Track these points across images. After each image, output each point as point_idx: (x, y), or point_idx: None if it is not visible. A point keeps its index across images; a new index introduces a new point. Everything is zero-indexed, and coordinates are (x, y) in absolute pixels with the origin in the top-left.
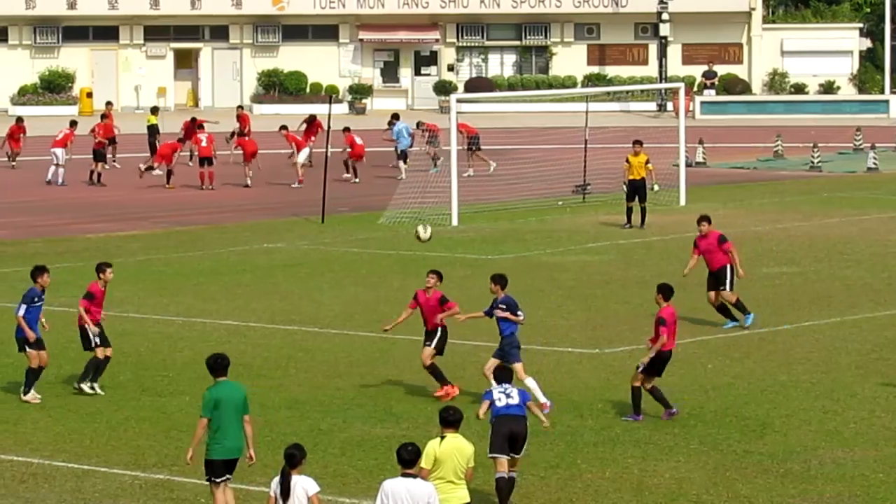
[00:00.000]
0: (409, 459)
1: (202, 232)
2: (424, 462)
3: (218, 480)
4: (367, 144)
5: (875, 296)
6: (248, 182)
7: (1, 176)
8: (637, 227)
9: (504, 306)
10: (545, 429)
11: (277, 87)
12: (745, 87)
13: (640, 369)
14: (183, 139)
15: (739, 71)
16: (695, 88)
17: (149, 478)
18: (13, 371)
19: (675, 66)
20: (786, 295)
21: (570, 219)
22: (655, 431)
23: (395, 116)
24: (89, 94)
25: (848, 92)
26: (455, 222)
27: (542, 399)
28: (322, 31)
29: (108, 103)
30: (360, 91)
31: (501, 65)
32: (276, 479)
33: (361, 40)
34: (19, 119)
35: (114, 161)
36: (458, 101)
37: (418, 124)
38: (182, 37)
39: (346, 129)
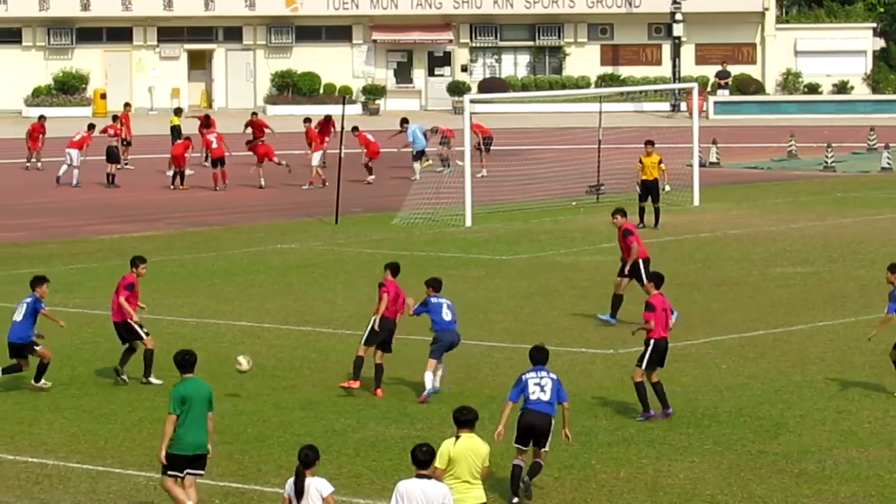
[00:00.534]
0: (423, 460)
1: (216, 233)
2: (438, 462)
3: (178, 475)
4: (381, 145)
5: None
6: (262, 183)
7: (16, 177)
8: (650, 227)
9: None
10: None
11: (291, 88)
12: (759, 87)
13: (643, 365)
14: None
15: (753, 71)
16: (708, 88)
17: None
18: (28, 373)
19: (689, 66)
20: (800, 295)
21: (583, 219)
22: (670, 431)
23: (405, 120)
24: (103, 96)
25: (861, 92)
26: (469, 223)
27: (429, 387)
28: (335, 31)
29: (127, 105)
30: (374, 92)
31: (515, 65)
32: (291, 480)
33: (375, 41)
34: (41, 118)
35: (126, 163)
36: (472, 101)
37: (433, 129)
38: (196, 38)
39: (355, 129)
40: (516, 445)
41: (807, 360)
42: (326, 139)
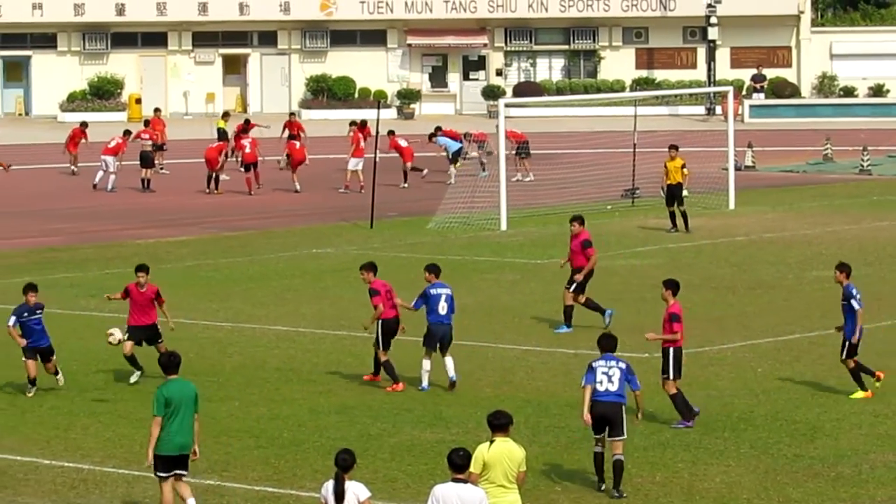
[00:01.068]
0: (460, 464)
1: (251, 237)
2: (473, 466)
3: (165, 476)
4: (415, 150)
5: None
6: (297, 187)
7: (52, 182)
8: (682, 230)
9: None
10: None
11: (326, 92)
12: (794, 91)
13: (671, 376)
14: (237, 136)
15: (788, 74)
16: (743, 92)
17: (199, 483)
18: (68, 377)
19: (724, 69)
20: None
21: (618, 223)
22: (705, 435)
23: (438, 129)
24: (138, 101)
25: None
26: (504, 227)
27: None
28: (370, 36)
29: (157, 109)
30: (409, 96)
31: (550, 69)
32: (327, 485)
33: (409, 45)
34: (83, 124)
35: (161, 167)
36: (507, 105)
37: (466, 135)
38: (230, 42)
39: (391, 133)
40: (594, 435)
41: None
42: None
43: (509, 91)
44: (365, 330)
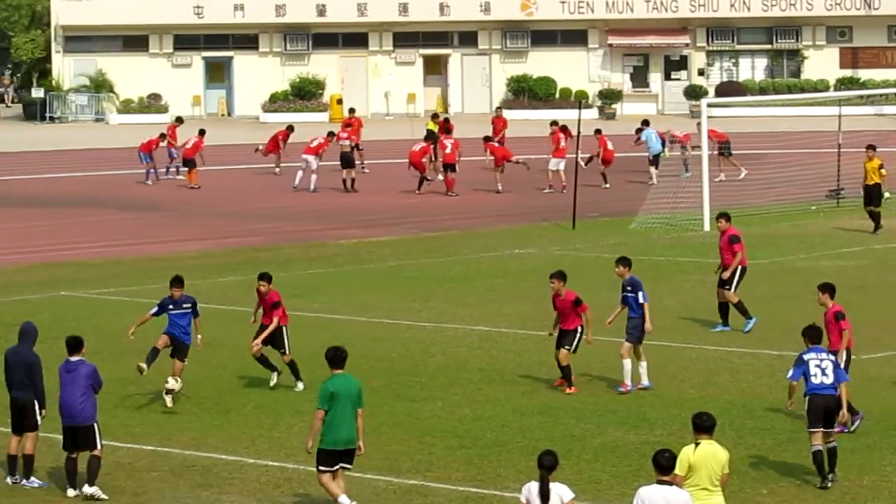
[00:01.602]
0: (666, 466)
1: (452, 237)
2: (678, 468)
3: (328, 469)
4: (618, 150)
5: None
6: (499, 187)
7: (254, 182)
8: (870, 232)
9: (630, 287)
10: None
11: (526, 92)
12: None
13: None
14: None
15: None
16: None
17: (402, 483)
18: (267, 375)
19: None
20: None
21: (823, 223)
22: None
23: (645, 122)
24: (339, 101)
25: None
26: (707, 227)
27: (627, 381)
28: (571, 36)
29: (352, 110)
30: (610, 96)
31: (752, 69)
32: (530, 486)
33: (611, 45)
34: (290, 127)
35: (363, 167)
36: (709, 105)
37: (666, 134)
38: (431, 43)
39: (598, 132)
40: (811, 430)
41: None
42: (565, 147)
43: (711, 91)
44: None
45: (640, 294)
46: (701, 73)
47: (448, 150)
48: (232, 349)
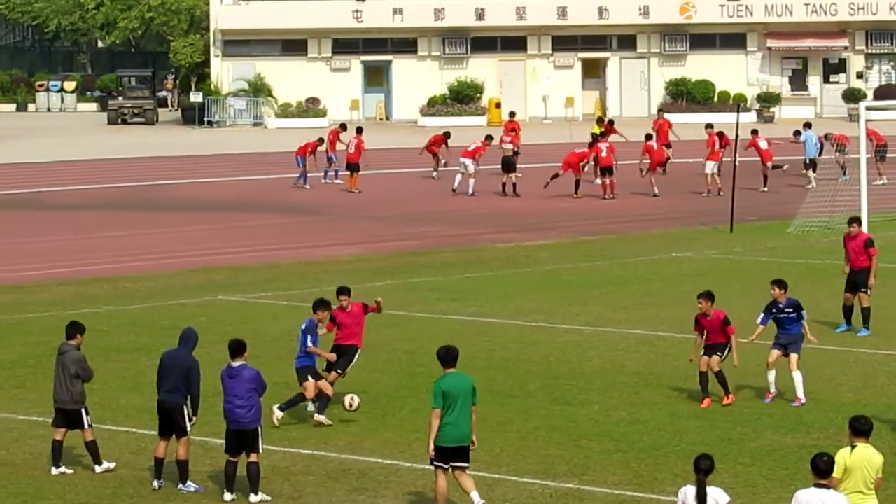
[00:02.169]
0: (824, 469)
1: (609, 241)
2: (835, 471)
3: (444, 466)
4: (776, 153)
5: None
6: (656, 191)
7: (413, 186)
8: None
9: (790, 309)
10: None
11: (685, 96)
12: None
13: None
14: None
15: None
16: None
17: (559, 487)
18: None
19: None
20: None
21: None
22: None
23: (807, 125)
24: (497, 105)
25: None
26: (864, 230)
27: (800, 394)
28: (729, 39)
29: (512, 113)
30: (768, 99)
31: None
32: (686, 489)
33: (769, 48)
34: (447, 134)
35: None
36: (868, 108)
37: (826, 136)
38: (589, 46)
39: (754, 132)
40: None
41: None
42: (723, 151)
43: (870, 94)
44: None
45: (803, 313)
46: (860, 76)
47: (604, 154)
48: (390, 353)
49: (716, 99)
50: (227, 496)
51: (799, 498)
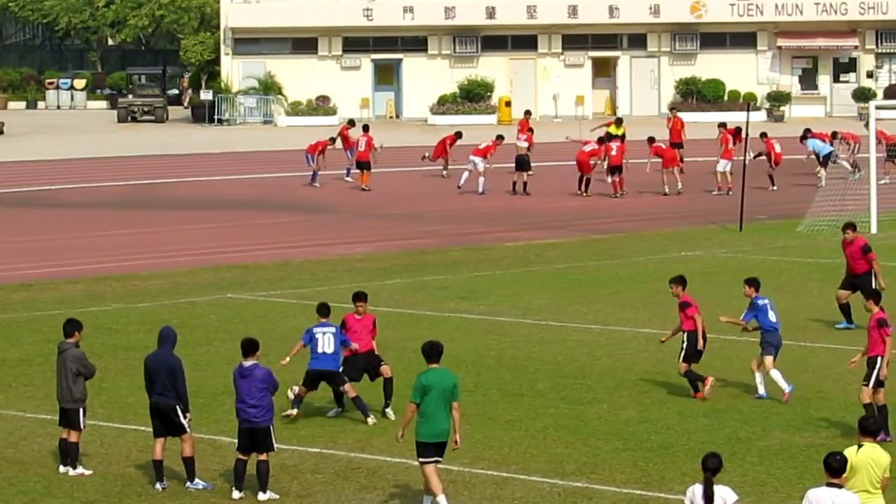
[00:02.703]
0: (837, 468)
1: (619, 240)
2: None
3: (427, 461)
4: (785, 152)
5: None
6: (665, 190)
7: (423, 184)
8: None
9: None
10: None
11: (695, 94)
12: None
13: (870, 384)
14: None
15: None
16: None
17: (567, 485)
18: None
19: None
20: None
21: None
22: None
23: (807, 131)
24: (508, 103)
25: None
26: (874, 230)
27: (784, 386)
28: (740, 38)
29: (527, 112)
30: (779, 98)
31: None
32: (694, 488)
33: (780, 47)
34: (458, 134)
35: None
36: (878, 107)
37: (834, 134)
38: (600, 45)
39: (763, 135)
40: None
41: None
42: (734, 149)
43: (880, 93)
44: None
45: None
46: (870, 75)
47: (614, 153)
48: (398, 351)
49: (726, 98)
50: (236, 494)
51: (810, 497)
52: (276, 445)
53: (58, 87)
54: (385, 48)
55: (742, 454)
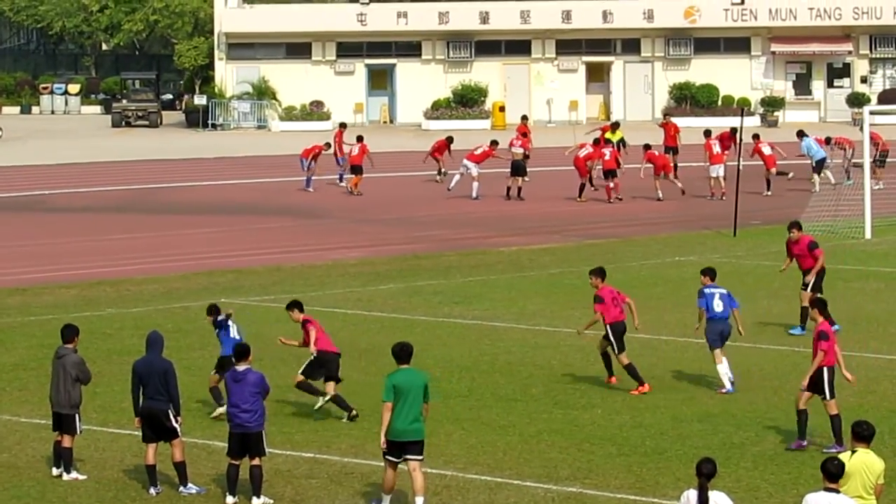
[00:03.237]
0: (834, 473)
1: (613, 245)
2: None
3: (395, 460)
4: (778, 157)
5: None
6: (660, 195)
7: (417, 189)
8: None
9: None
10: None
11: (689, 99)
12: None
13: (804, 389)
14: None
15: None
16: None
17: (561, 490)
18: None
19: None
20: None
21: None
22: None
23: (801, 133)
24: (502, 108)
25: None
26: (868, 235)
27: (726, 384)
28: (733, 43)
29: (524, 117)
30: (772, 103)
31: None
32: (688, 493)
33: (773, 52)
34: (450, 139)
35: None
36: (871, 112)
37: (827, 140)
38: (594, 50)
39: (756, 137)
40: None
41: None
42: (727, 152)
43: (874, 98)
44: (578, 334)
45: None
46: (864, 80)
47: (607, 158)
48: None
49: (720, 103)
50: (230, 499)
51: (809, 501)
52: (268, 450)
53: (52, 92)
54: (379, 53)
55: (736, 459)
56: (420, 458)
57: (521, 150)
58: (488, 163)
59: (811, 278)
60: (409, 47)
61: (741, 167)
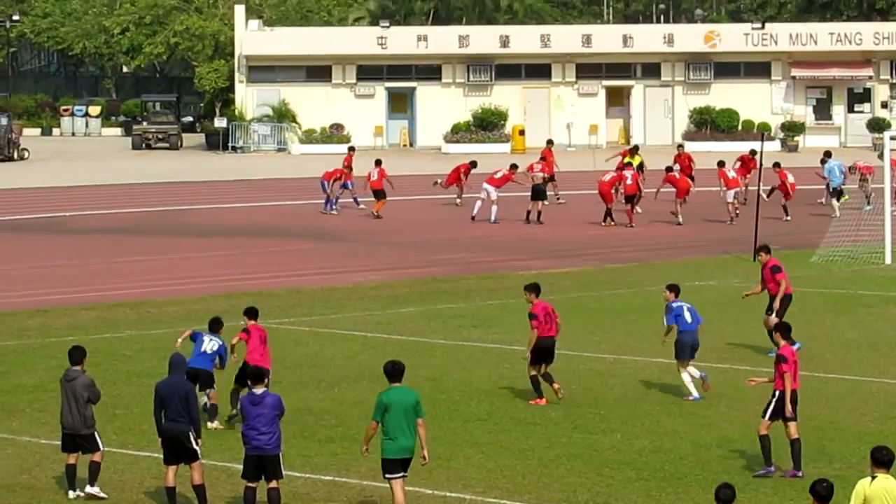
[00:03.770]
0: (824, 495)
1: (633, 269)
2: (854, 500)
3: (393, 476)
4: (799, 182)
5: None
6: (680, 219)
7: (437, 213)
8: None
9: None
10: None
11: (709, 124)
12: None
13: (767, 416)
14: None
15: None
16: None
17: None
18: (446, 406)
19: None
20: None
21: None
22: None
23: (828, 154)
24: (521, 132)
25: None
26: (888, 260)
27: (692, 390)
28: (754, 67)
29: (549, 141)
30: (793, 128)
31: None
32: None
33: (794, 77)
34: (473, 164)
35: (558, 198)
36: (892, 138)
37: (851, 168)
38: (614, 74)
39: (776, 165)
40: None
41: None
42: (747, 176)
43: (895, 124)
44: (524, 360)
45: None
46: (884, 105)
47: (629, 182)
48: (410, 380)
49: (740, 128)
50: None
51: None
52: (286, 473)
53: (72, 114)
54: (399, 76)
55: (755, 485)
56: (405, 473)
57: (540, 175)
58: (507, 186)
59: (777, 304)
60: (430, 70)
61: (762, 192)
